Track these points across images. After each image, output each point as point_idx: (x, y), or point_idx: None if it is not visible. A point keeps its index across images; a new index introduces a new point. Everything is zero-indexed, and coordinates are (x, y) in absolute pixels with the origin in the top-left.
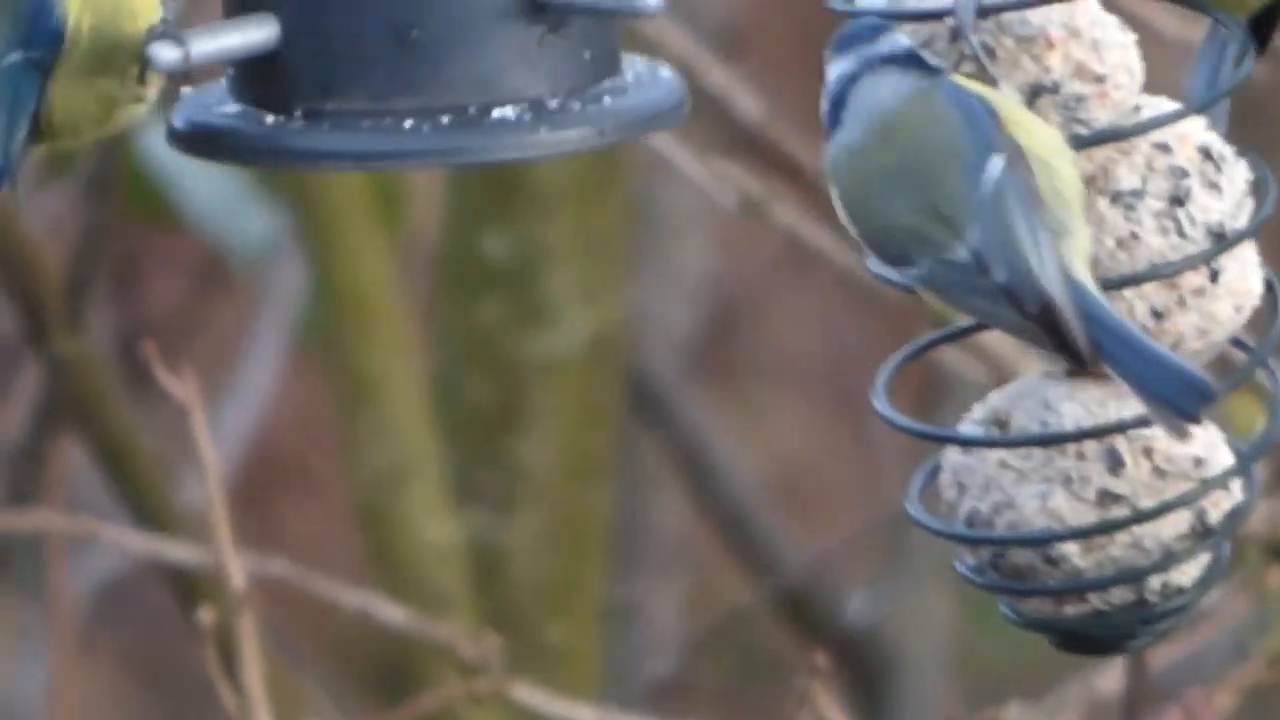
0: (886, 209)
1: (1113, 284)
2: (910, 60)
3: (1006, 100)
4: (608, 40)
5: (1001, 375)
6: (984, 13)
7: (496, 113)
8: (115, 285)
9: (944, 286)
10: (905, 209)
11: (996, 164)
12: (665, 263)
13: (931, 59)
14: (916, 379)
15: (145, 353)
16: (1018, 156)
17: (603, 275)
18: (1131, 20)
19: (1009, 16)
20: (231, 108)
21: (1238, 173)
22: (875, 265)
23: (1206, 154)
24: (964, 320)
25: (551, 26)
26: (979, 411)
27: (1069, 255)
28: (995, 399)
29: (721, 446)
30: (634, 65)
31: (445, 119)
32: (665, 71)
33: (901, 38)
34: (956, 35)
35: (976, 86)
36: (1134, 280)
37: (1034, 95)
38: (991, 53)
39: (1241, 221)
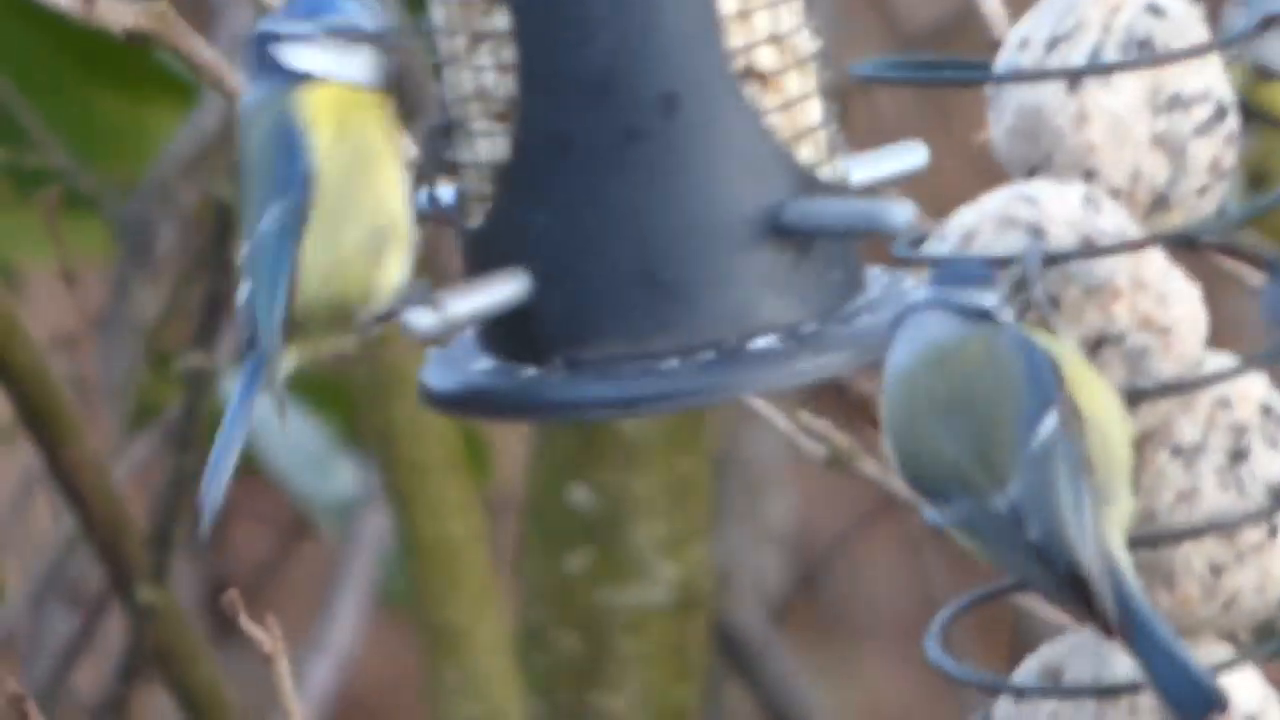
0: (932, 440)
1: (1170, 537)
2: (975, 311)
3: (1073, 357)
4: (852, 257)
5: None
6: (1050, 261)
7: (756, 343)
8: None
9: (978, 533)
10: (951, 444)
11: (1051, 421)
12: (752, 514)
13: (1001, 314)
14: (1006, 624)
15: (229, 603)
16: (1073, 417)
17: (690, 526)
18: (1200, 272)
19: (1075, 266)
20: (485, 363)
21: None
22: (931, 514)
23: (1268, 411)
24: None
25: (799, 250)
26: (1033, 662)
27: (1108, 525)
28: (1049, 651)
29: (810, 699)
30: (877, 278)
31: (706, 355)
32: (907, 282)
33: (987, 296)
34: (1023, 283)
35: (1045, 338)
36: (1192, 534)
37: (1098, 345)
38: (1056, 302)
39: None
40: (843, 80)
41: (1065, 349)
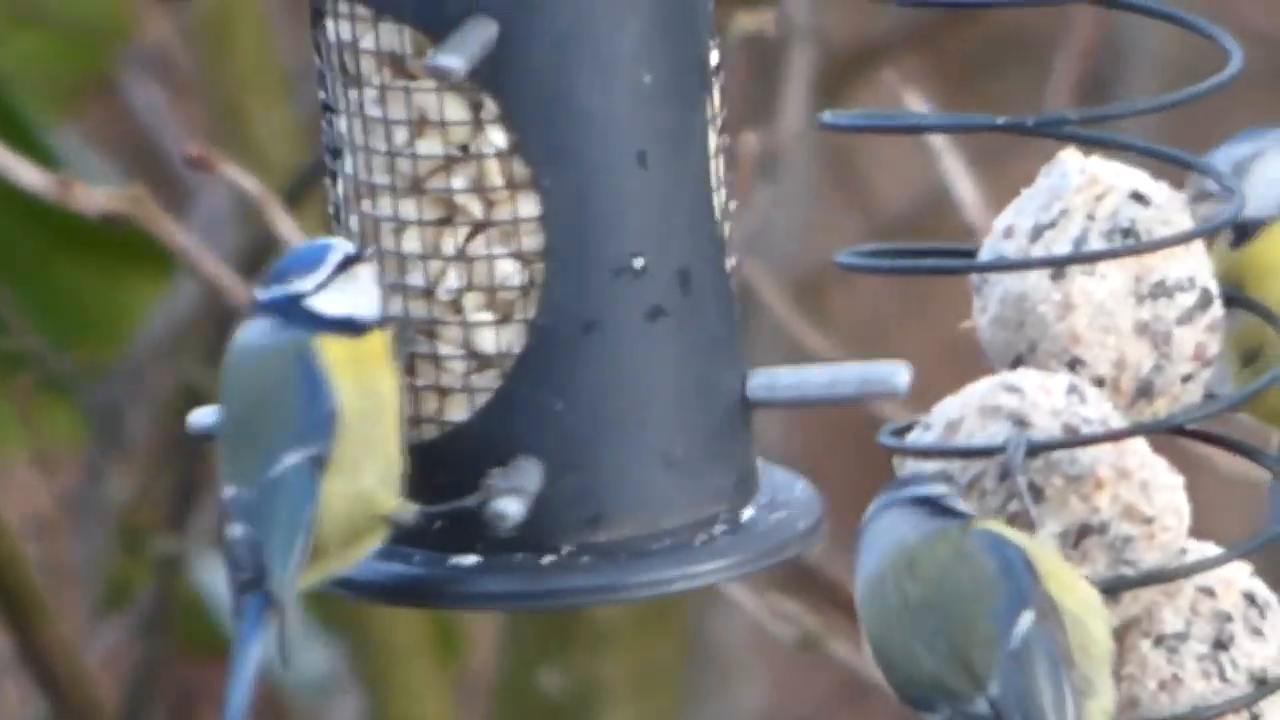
0: (908, 646)
1: None
2: (933, 504)
3: (1045, 552)
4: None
5: None
6: (1034, 451)
7: (749, 514)
8: (172, 716)
9: None
10: (927, 650)
11: (1028, 618)
12: (723, 697)
13: (959, 504)
14: None
15: None
16: (1050, 611)
17: (659, 711)
18: (1184, 460)
19: (1059, 455)
20: (469, 560)
21: None
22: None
23: (1251, 599)
24: None
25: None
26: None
27: (1091, 718)
28: None
29: None
30: (770, 474)
31: (717, 530)
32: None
33: (935, 486)
34: (1005, 473)
35: (1015, 535)
36: None
37: (1081, 535)
38: (1040, 492)
39: None
40: (824, 269)
41: (1035, 543)
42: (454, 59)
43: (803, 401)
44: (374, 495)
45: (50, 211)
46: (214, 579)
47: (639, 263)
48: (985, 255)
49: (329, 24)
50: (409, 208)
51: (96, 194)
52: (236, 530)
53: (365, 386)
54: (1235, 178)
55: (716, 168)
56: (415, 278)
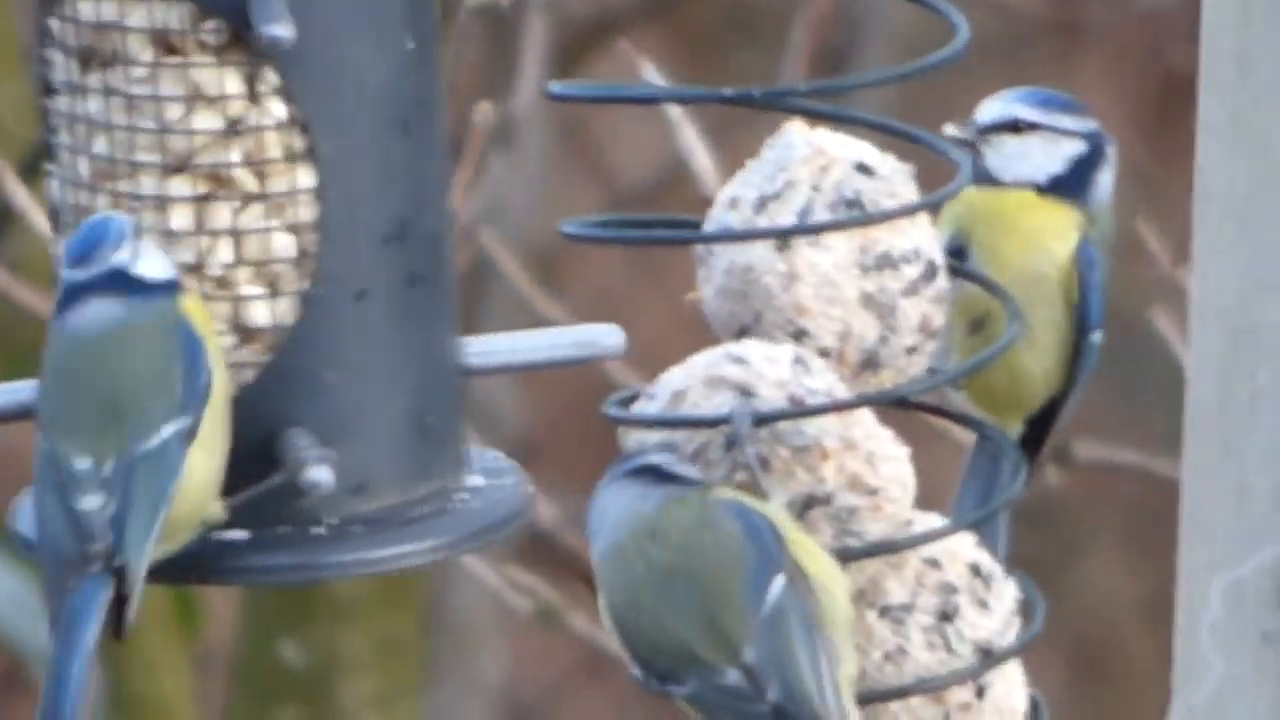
0: (656, 615)
1: (879, 697)
2: (656, 472)
3: (787, 520)
4: None
5: None
6: (760, 421)
7: (477, 480)
8: None
9: (710, 709)
10: (677, 617)
11: (779, 582)
12: (462, 670)
13: (681, 469)
14: None
15: None
16: (799, 577)
17: (399, 683)
18: (911, 430)
19: (784, 426)
20: (237, 535)
21: (1007, 591)
22: (647, 683)
23: (976, 571)
24: None
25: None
26: None
27: (841, 683)
28: None
29: None
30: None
31: (463, 497)
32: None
33: (655, 455)
34: (732, 443)
35: (757, 503)
36: (900, 693)
37: (807, 506)
38: (766, 463)
39: (1009, 639)
40: (561, 240)
41: (777, 510)
42: (282, 27)
43: (518, 366)
44: (217, 478)
45: None
46: None
47: (401, 229)
48: (710, 226)
49: (82, 4)
50: (178, 184)
51: None
52: (91, 502)
53: (217, 352)
54: (970, 145)
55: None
56: (184, 254)
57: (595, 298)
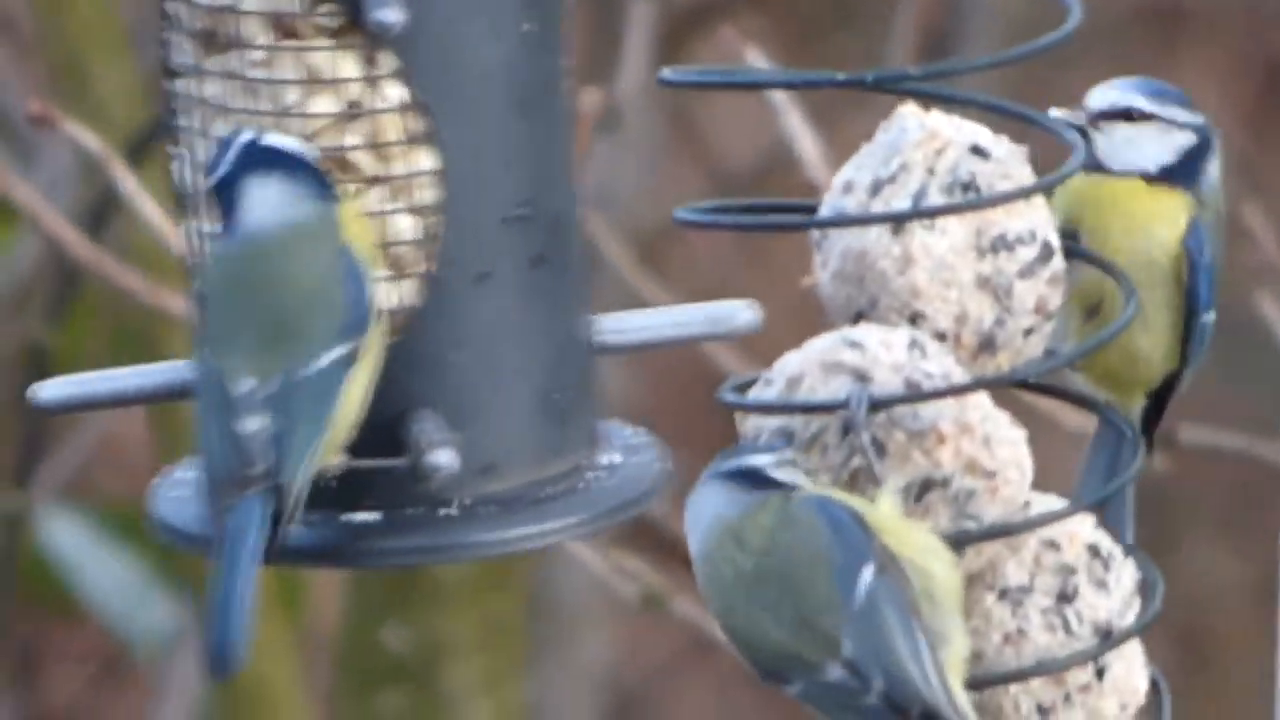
0: (753, 619)
1: (998, 679)
2: (752, 476)
3: (876, 508)
4: None
5: None
6: (876, 406)
7: (611, 458)
8: (16, 674)
9: (822, 705)
10: (773, 620)
11: (869, 573)
12: (566, 655)
13: (786, 474)
14: None
15: None
16: (890, 564)
17: (503, 667)
18: (1028, 413)
19: (901, 410)
20: (368, 517)
21: (1126, 572)
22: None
23: (1095, 552)
24: None
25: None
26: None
27: (946, 666)
28: None
29: None
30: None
31: (594, 475)
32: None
33: (757, 457)
34: (848, 429)
35: (841, 495)
36: (1020, 676)
37: (924, 490)
38: (882, 447)
39: (1128, 619)
40: (667, 225)
41: (863, 501)
42: (392, 12)
43: (652, 343)
44: (363, 410)
45: None
46: (59, 532)
47: (524, 211)
48: (825, 211)
49: None
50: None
51: None
52: (252, 424)
53: (375, 270)
54: (1083, 128)
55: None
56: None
57: (701, 284)
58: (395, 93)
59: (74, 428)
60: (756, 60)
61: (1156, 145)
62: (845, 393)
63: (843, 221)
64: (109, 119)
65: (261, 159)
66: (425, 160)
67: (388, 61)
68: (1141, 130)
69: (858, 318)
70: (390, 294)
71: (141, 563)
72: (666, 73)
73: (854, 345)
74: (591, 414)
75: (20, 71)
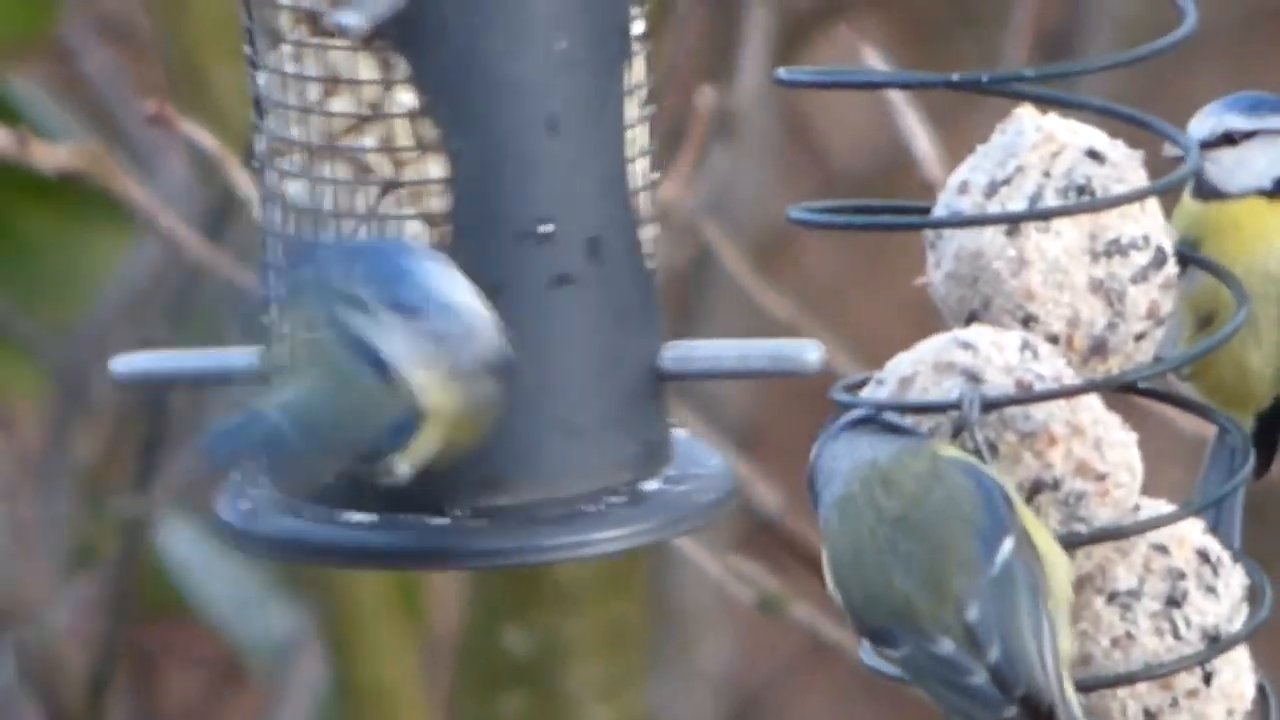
0: (882, 565)
1: (1106, 683)
2: (882, 424)
3: (1016, 493)
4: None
5: None
6: (988, 407)
7: (648, 486)
8: (135, 679)
9: (921, 674)
10: (903, 569)
11: (1009, 544)
12: (686, 658)
13: (902, 421)
14: None
15: None
16: (1026, 542)
17: (624, 671)
18: (1139, 418)
19: (1012, 411)
20: (362, 517)
21: (1234, 577)
22: (868, 657)
23: (1204, 557)
24: None
25: (664, 399)
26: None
27: (1062, 655)
28: None
29: None
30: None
31: (614, 500)
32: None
33: (863, 410)
34: (959, 429)
35: (986, 466)
36: (1128, 679)
37: (1034, 491)
38: (993, 448)
39: (1237, 625)
40: (781, 228)
41: (1007, 480)
42: (354, 16)
43: (715, 374)
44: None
45: (10, 169)
46: (177, 540)
47: (545, 229)
48: (940, 211)
49: None
50: (324, 165)
51: (55, 150)
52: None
53: None
54: (1197, 138)
55: (636, 138)
56: (329, 236)
57: (817, 285)
58: (407, 98)
59: (194, 434)
60: (873, 61)
61: (1266, 160)
62: (957, 393)
63: (957, 222)
64: (226, 122)
65: None
66: (436, 168)
67: (401, 67)
68: (1247, 149)
69: (971, 319)
70: None
71: (258, 569)
72: (782, 73)
73: (966, 346)
74: (633, 440)
75: (137, 75)
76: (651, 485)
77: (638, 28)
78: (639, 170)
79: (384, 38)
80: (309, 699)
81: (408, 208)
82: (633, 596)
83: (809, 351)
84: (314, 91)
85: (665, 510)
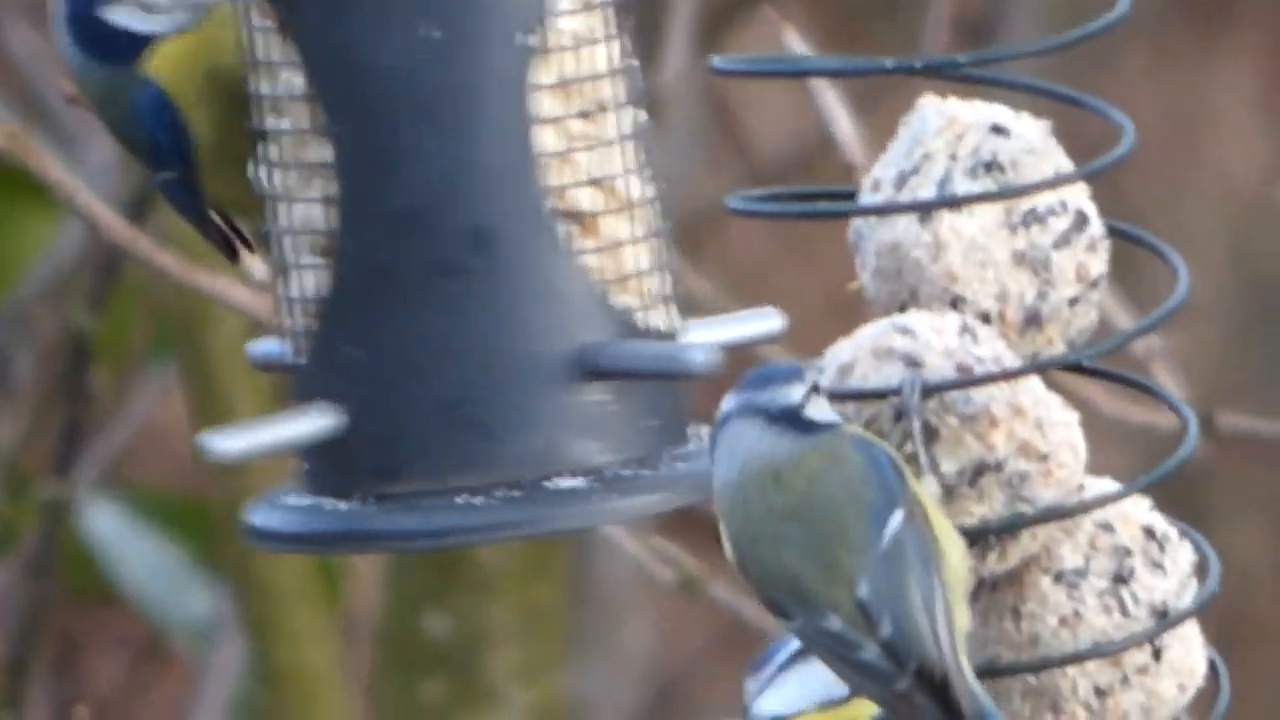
0: (773, 551)
1: (1055, 662)
2: (789, 417)
3: (917, 483)
4: (675, 407)
5: None
6: (928, 391)
7: (559, 483)
8: (57, 662)
9: (814, 645)
10: (793, 552)
11: (898, 517)
12: (607, 641)
13: (821, 415)
14: None
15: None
16: (918, 514)
17: (544, 655)
18: (1073, 399)
19: (953, 395)
20: (302, 500)
21: (1182, 553)
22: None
23: (1150, 533)
24: None
25: (613, 394)
26: None
27: (956, 627)
28: None
29: None
30: (699, 433)
31: (506, 493)
32: None
33: (793, 390)
34: (900, 415)
35: (878, 440)
36: (1076, 658)
37: (977, 474)
38: (935, 432)
39: (1185, 600)
40: (711, 211)
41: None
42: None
43: (635, 374)
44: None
45: None
46: (98, 522)
47: (422, 218)
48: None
49: None
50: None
51: None
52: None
53: None
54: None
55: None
56: (273, 218)
57: (741, 272)
58: (298, 82)
59: (115, 416)
60: (797, 45)
61: None
62: (897, 379)
63: (896, 209)
64: None
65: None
66: (325, 152)
67: (291, 52)
68: None
69: (902, 311)
70: (311, 281)
71: (181, 551)
72: (717, 61)
73: (905, 331)
74: (537, 435)
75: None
76: (560, 482)
77: (563, 25)
78: (548, 161)
79: (277, 22)
80: (232, 680)
81: (309, 190)
82: (553, 580)
83: (695, 354)
84: (251, 76)
85: (552, 506)
